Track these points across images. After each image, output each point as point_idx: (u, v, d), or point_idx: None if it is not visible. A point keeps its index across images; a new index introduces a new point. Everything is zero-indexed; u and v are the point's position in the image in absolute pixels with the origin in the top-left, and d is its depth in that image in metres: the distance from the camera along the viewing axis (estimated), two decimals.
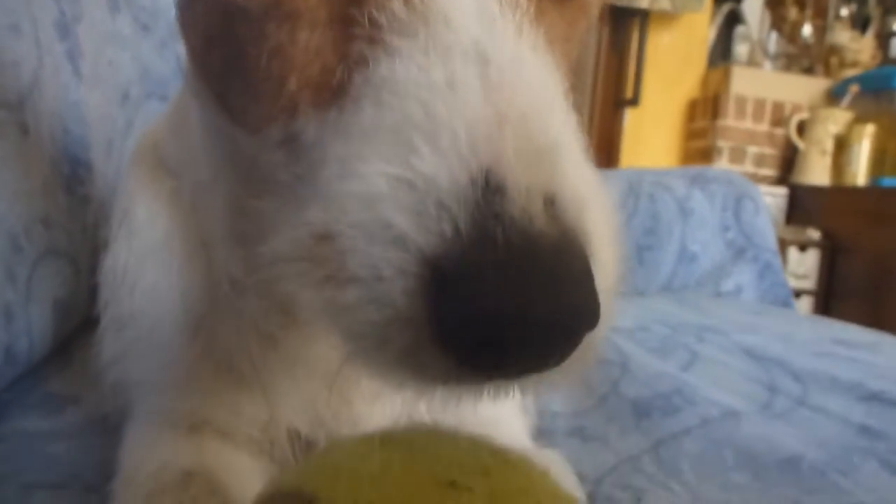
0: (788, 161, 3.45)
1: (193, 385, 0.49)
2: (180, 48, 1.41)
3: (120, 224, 0.54)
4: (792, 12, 3.74)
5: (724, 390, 0.78)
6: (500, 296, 0.25)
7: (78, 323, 0.88)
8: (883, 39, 3.79)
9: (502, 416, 0.53)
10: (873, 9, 3.81)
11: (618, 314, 0.32)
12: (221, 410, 0.49)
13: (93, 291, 0.89)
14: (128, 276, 0.53)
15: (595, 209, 0.29)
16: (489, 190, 0.26)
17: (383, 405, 0.49)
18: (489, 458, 0.30)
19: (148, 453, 0.46)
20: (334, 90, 0.32)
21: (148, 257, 0.51)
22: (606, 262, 0.30)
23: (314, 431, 0.49)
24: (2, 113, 0.68)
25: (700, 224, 1.55)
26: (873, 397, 0.77)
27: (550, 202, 0.27)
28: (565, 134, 0.31)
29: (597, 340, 0.30)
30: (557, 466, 0.48)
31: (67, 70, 0.88)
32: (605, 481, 0.58)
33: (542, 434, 0.67)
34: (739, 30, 3.69)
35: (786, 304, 1.55)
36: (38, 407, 0.70)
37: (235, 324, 0.48)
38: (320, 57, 0.33)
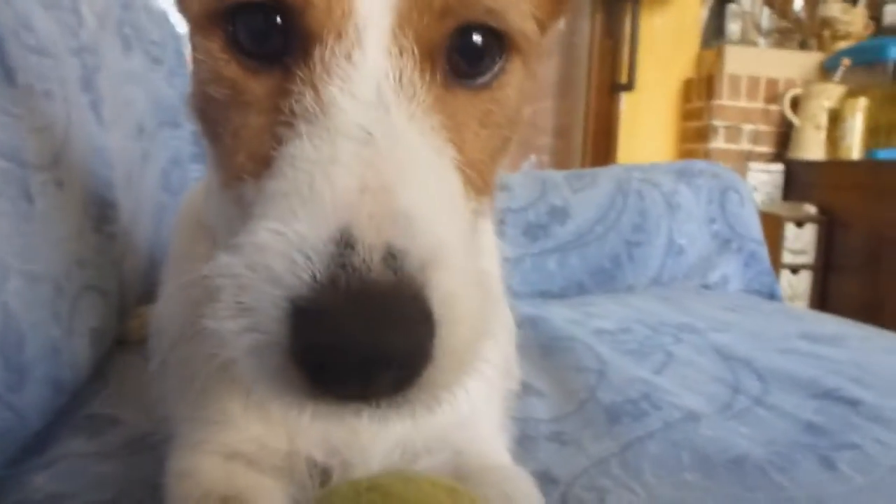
0: (784, 137, 3.51)
1: (226, 420, 0.59)
2: (187, 74, 1.50)
3: (166, 284, 0.64)
4: None
5: (690, 392, 0.87)
6: (336, 329, 0.34)
7: (108, 347, 0.98)
8: (875, 9, 3.81)
9: (483, 434, 0.63)
10: None
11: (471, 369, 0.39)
12: (250, 443, 0.58)
13: (119, 316, 0.99)
14: (171, 329, 0.63)
15: (448, 270, 0.37)
16: (342, 245, 0.35)
17: (384, 434, 0.59)
18: (445, 497, 0.39)
19: (191, 481, 0.56)
20: (265, 163, 0.42)
21: (188, 313, 0.61)
22: (460, 318, 0.37)
23: (328, 459, 0.58)
24: (42, 175, 0.77)
25: (687, 218, 1.63)
26: (826, 395, 0.86)
27: (392, 257, 0.35)
28: (426, 204, 0.38)
29: (439, 381, 0.37)
30: (525, 486, 0.58)
31: (91, 119, 0.97)
32: (575, 484, 0.67)
33: (525, 439, 0.76)
34: (731, 7, 3.73)
35: (771, 293, 1.64)
36: (82, 429, 0.80)
37: None
38: (259, 136, 0.43)
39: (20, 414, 0.67)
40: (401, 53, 0.42)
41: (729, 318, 1.21)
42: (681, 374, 0.94)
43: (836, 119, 3.38)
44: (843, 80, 3.38)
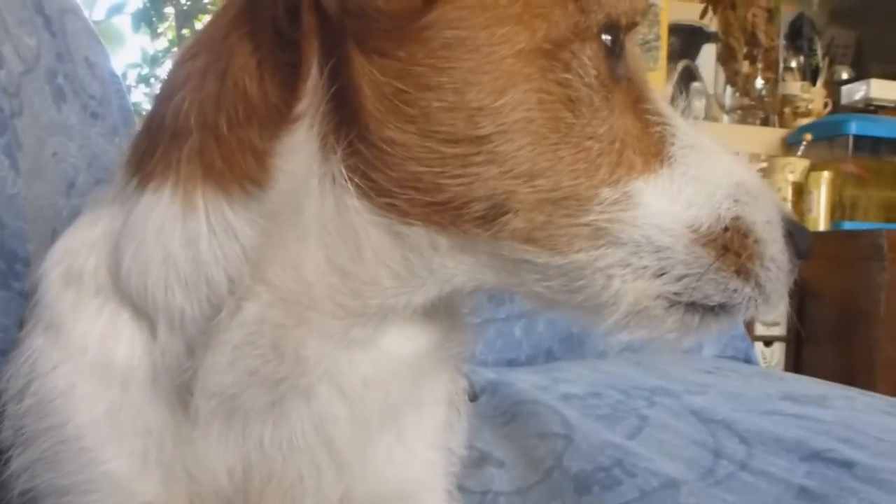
0: None
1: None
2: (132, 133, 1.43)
3: (42, 340, 0.54)
4: (744, 66, 3.84)
5: (667, 458, 0.78)
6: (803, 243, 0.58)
7: None
8: (832, 88, 3.91)
9: None
10: (821, 60, 3.95)
11: None
12: None
13: None
14: (56, 391, 0.53)
15: None
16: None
17: None
18: None
19: None
20: (656, 157, 0.54)
21: (97, 377, 0.53)
22: None
23: None
24: None
25: None
26: (815, 456, 0.77)
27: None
28: None
29: None
30: None
31: (4, 164, 0.88)
32: None
33: None
34: (695, 86, 3.79)
35: (746, 358, 1.56)
36: None
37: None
38: (639, 135, 0.54)
39: None
40: None
41: (706, 381, 1.13)
42: (657, 439, 0.85)
43: (800, 192, 3.40)
44: (805, 155, 3.41)
